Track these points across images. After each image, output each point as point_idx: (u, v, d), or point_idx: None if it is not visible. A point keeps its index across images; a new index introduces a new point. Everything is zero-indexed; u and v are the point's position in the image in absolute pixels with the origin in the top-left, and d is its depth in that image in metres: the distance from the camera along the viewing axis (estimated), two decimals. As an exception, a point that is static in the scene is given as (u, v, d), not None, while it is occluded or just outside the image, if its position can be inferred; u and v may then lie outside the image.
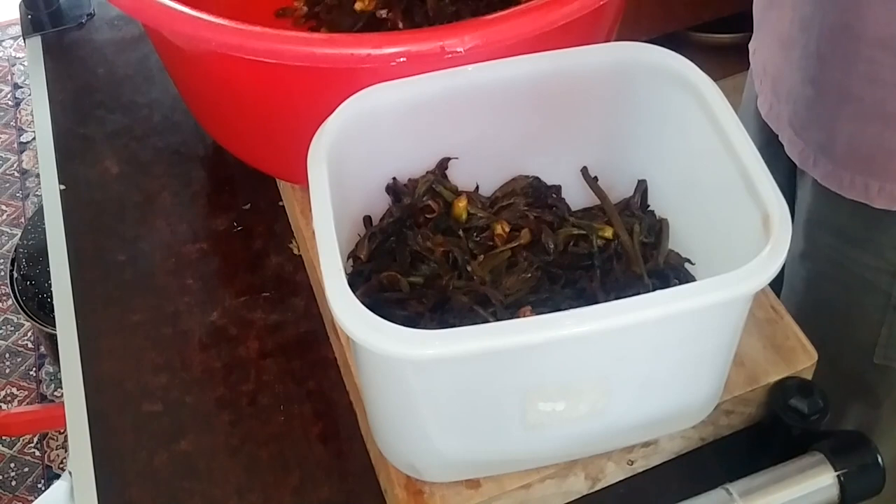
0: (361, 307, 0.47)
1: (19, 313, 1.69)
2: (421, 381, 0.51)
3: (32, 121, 1.70)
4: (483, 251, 0.62)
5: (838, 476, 0.59)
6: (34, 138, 1.41)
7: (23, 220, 2.13)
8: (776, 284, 0.68)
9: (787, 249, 0.49)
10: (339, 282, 0.48)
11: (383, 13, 0.80)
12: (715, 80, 0.59)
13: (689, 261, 0.63)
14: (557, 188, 0.67)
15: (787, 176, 0.85)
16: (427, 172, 0.64)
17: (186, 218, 0.85)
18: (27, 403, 1.82)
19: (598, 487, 0.63)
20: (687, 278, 0.62)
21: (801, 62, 0.78)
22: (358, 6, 0.81)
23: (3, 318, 1.95)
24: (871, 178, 0.75)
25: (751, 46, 0.91)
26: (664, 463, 0.64)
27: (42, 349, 1.88)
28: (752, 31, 0.89)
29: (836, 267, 0.82)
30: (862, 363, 0.84)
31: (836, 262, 0.82)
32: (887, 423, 0.86)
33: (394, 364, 0.50)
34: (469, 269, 0.61)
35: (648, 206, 0.67)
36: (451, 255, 0.61)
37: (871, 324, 0.82)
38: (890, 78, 0.71)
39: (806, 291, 0.85)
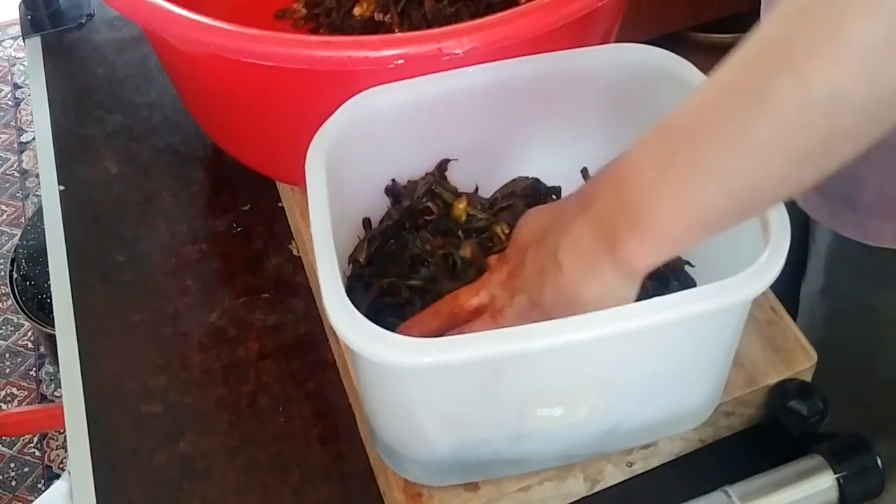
0: (358, 315, 0.47)
1: (19, 313, 1.69)
2: (418, 388, 0.51)
3: (32, 121, 1.70)
4: (483, 253, 0.62)
5: (837, 478, 0.59)
6: (34, 138, 1.41)
7: (23, 220, 2.13)
8: (791, 314, 0.67)
9: (786, 255, 0.49)
10: (336, 290, 0.48)
11: (381, 17, 0.80)
12: (714, 81, 0.59)
13: (688, 263, 0.63)
14: (557, 189, 0.66)
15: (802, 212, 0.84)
16: (426, 174, 0.64)
17: (186, 218, 0.85)
18: (27, 403, 1.82)
19: (596, 489, 0.62)
20: (686, 281, 0.62)
21: None
22: (357, 11, 0.81)
23: (3, 318, 1.95)
24: None
25: None
26: (663, 465, 0.64)
27: (42, 349, 1.88)
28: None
29: (858, 305, 0.81)
30: (888, 398, 0.83)
31: (859, 301, 0.81)
32: None
33: (391, 371, 0.50)
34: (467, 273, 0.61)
35: (648, 207, 0.66)
36: (451, 257, 0.61)
37: None
38: None
39: (826, 327, 0.84)
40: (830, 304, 0.84)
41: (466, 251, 0.61)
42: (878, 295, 0.79)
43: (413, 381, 0.50)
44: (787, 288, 0.75)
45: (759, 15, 0.88)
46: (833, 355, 0.65)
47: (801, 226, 0.85)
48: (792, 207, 0.52)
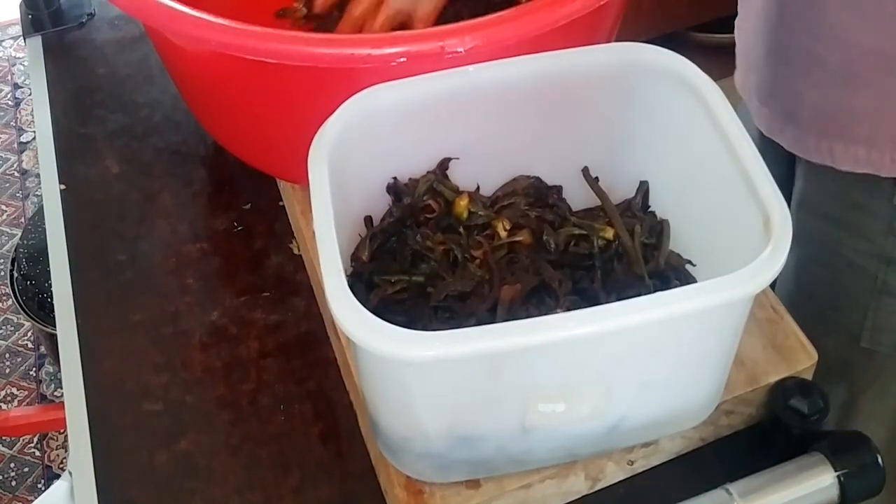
0: (361, 308, 0.47)
1: (19, 313, 1.69)
2: (421, 383, 0.51)
3: (32, 121, 1.70)
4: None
5: (838, 476, 0.59)
6: (34, 138, 1.41)
7: (23, 220, 2.13)
8: None
9: (788, 251, 0.49)
10: (340, 283, 0.48)
11: None
12: (715, 80, 0.59)
13: (689, 262, 0.63)
14: (558, 188, 0.67)
15: (785, 166, 0.85)
16: (428, 172, 0.65)
17: (187, 218, 0.85)
18: (27, 403, 1.82)
19: (598, 487, 0.63)
20: (688, 279, 0.62)
21: (765, 32, 0.80)
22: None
23: (3, 318, 1.96)
24: (835, 142, 0.77)
25: (736, 24, 0.92)
26: (664, 463, 0.64)
27: (42, 349, 1.88)
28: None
29: (824, 250, 0.83)
30: (848, 347, 0.84)
31: (825, 245, 0.83)
32: (871, 406, 0.87)
33: (393, 365, 0.50)
34: (469, 267, 0.61)
35: (649, 206, 0.67)
36: (452, 253, 0.61)
37: (858, 307, 0.83)
38: (853, 40, 0.72)
39: (796, 277, 0.86)
40: (797, 253, 0.86)
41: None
42: (841, 238, 0.81)
43: (415, 376, 0.50)
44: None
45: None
46: (799, 304, 0.67)
47: (786, 189, 0.86)
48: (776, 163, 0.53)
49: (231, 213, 0.84)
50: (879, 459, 0.60)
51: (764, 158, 0.54)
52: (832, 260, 0.83)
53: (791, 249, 0.85)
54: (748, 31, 0.85)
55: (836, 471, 0.59)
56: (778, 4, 0.77)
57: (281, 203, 0.83)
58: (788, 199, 0.87)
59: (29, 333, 1.92)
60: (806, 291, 0.85)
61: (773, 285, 0.66)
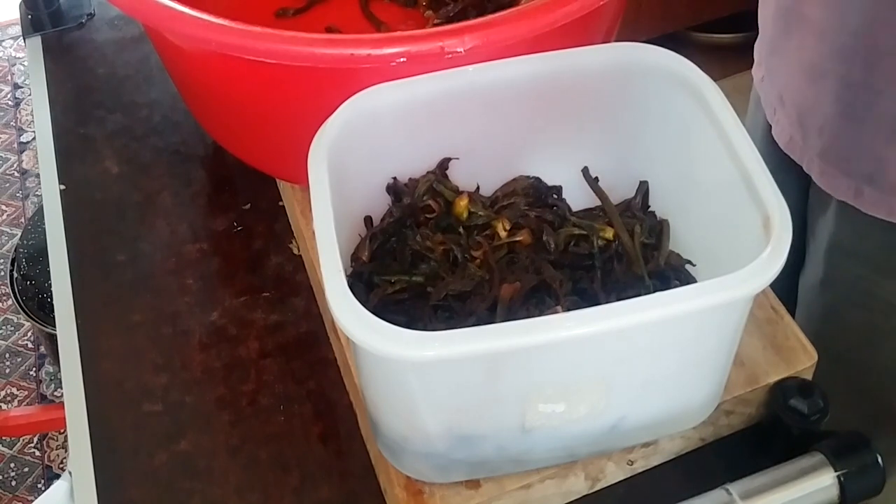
0: (361, 308, 0.47)
1: (19, 313, 1.69)
2: (420, 383, 0.51)
3: (32, 121, 1.70)
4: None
5: (838, 476, 0.59)
6: (34, 138, 1.41)
7: (23, 220, 2.13)
8: (789, 308, 0.67)
9: (788, 251, 0.49)
10: (339, 283, 0.48)
11: None
12: (715, 80, 0.59)
13: (689, 262, 0.63)
14: (558, 188, 0.67)
15: (798, 201, 0.85)
16: (427, 172, 0.65)
17: (186, 218, 0.85)
18: (27, 403, 1.82)
19: (598, 487, 0.63)
20: (688, 279, 0.62)
21: (838, 94, 0.76)
22: None
23: (3, 318, 1.95)
24: None
25: (756, 73, 0.89)
26: (664, 463, 0.64)
27: (42, 349, 1.88)
28: (751, 31, 0.89)
29: (860, 294, 0.82)
30: (888, 387, 0.83)
31: (861, 288, 0.82)
32: None
33: (393, 365, 0.50)
34: (469, 267, 0.61)
35: (649, 206, 0.67)
36: (452, 253, 0.61)
37: None
38: None
39: (825, 319, 0.85)
40: (829, 295, 0.85)
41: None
42: (879, 281, 0.80)
43: (415, 376, 0.50)
44: (784, 284, 0.76)
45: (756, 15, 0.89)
46: (832, 347, 0.66)
47: (799, 221, 0.86)
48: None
49: (231, 213, 0.84)
50: (879, 459, 0.59)
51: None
52: (869, 303, 0.82)
53: (821, 293, 0.85)
54: (803, 91, 0.81)
55: (836, 471, 0.59)
56: (863, 68, 0.74)
57: (281, 203, 0.83)
58: (801, 228, 0.86)
59: (29, 333, 1.92)
60: (839, 334, 0.84)
61: (792, 312, 0.66)
